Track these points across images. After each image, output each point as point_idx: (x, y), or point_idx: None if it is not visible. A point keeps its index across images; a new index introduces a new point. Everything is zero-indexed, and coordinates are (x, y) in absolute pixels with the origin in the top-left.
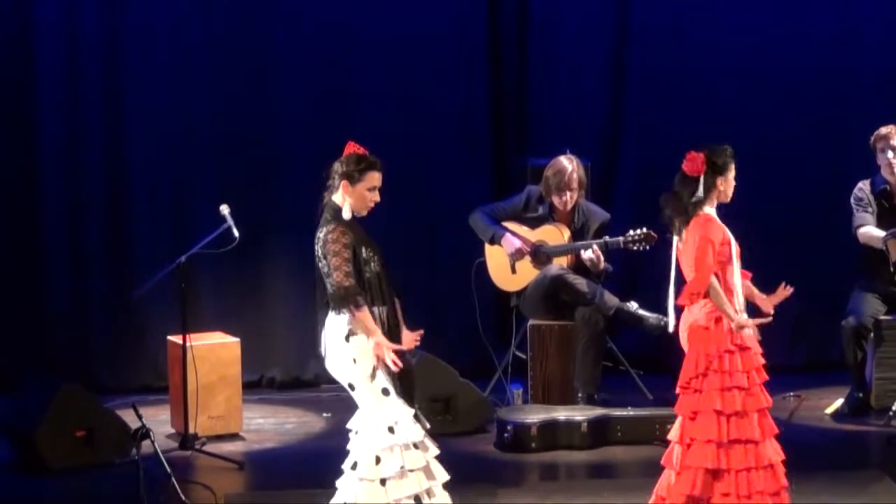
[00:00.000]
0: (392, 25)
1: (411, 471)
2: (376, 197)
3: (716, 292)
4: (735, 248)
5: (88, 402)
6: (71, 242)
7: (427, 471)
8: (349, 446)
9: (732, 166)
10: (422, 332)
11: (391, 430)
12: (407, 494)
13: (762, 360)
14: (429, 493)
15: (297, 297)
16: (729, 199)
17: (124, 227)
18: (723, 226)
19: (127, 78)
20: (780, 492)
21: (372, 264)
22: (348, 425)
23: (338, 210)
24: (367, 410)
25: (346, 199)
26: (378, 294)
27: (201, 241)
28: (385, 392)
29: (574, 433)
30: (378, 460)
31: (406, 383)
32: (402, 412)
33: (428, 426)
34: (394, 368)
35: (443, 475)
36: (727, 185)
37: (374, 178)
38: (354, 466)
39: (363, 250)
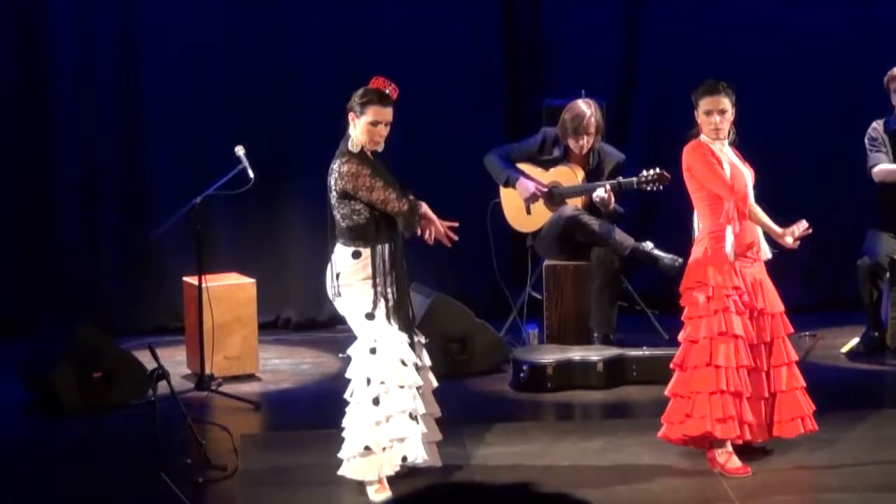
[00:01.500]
0: None
1: (401, 387)
2: (381, 131)
3: None
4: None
5: (105, 344)
6: (85, 184)
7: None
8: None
9: (703, 101)
10: (455, 224)
11: (373, 350)
12: (399, 409)
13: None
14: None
15: (312, 239)
16: (715, 135)
17: (139, 167)
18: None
19: (142, 15)
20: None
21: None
22: (347, 352)
23: (349, 141)
24: (358, 337)
25: (354, 131)
26: (384, 232)
27: (216, 182)
28: (369, 316)
29: (589, 373)
30: (368, 381)
31: (401, 313)
32: (383, 332)
33: (420, 361)
34: (446, 241)
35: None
36: (701, 119)
37: (377, 112)
38: (352, 393)
39: None
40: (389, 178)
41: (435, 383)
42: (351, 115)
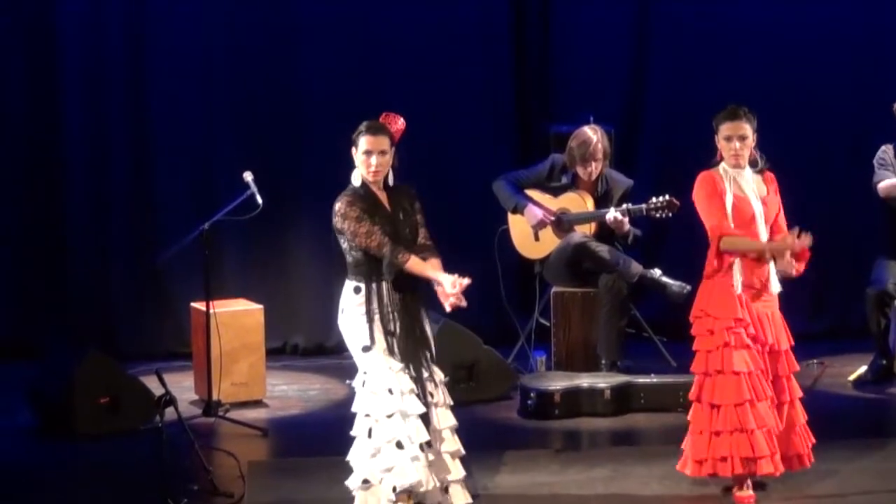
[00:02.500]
0: None
1: (388, 416)
2: (375, 161)
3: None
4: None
5: (113, 369)
6: (95, 209)
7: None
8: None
9: (723, 126)
10: (468, 281)
11: (363, 383)
12: (386, 439)
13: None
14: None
15: (320, 264)
16: (735, 161)
17: (148, 192)
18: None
19: (151, 44)
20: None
21: None
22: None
23: (353, 175)
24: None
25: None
26: (379, 270)
27: (225, 208)
28: (365, 349)
29: (597, 400)
30: (363, 415)
31: (405, 346)
32: (373, 363)
33: (433, 395)
34: (459, 303)
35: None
36: (721, 144)
37: (367, 141)
38: (354, 427)
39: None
40: (386, 214)
41: (451, 421)
42: (352, 150)
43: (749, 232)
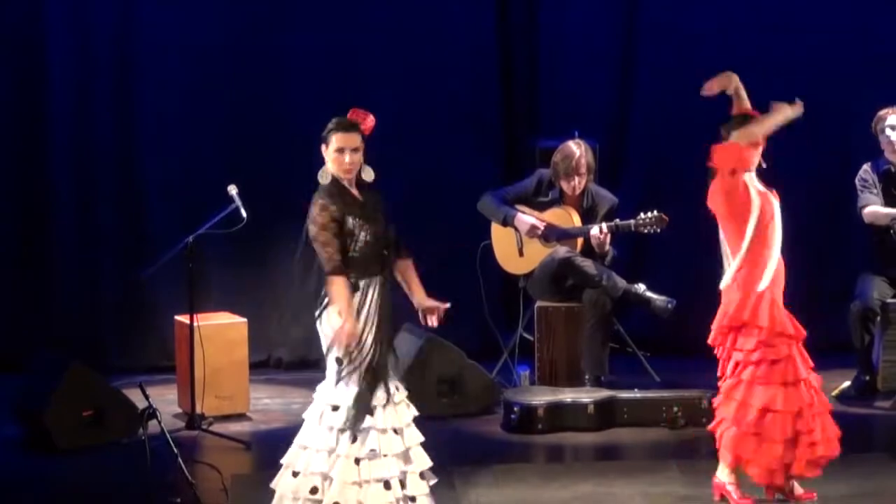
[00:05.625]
0: (404, 7)
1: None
2: (345, 159)
3: None
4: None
5: (96, 382)
6: (80, 222)
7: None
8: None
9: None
10: (447, 305)
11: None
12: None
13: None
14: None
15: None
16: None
17: (133, 205)
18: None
19: (138, 57)
20: None
21: (362, 234)
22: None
23: (321, 173)
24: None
25: (327, 162)
26: (367, 267)
27: (209, 221)
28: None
29: (581, 415)
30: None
31: (372, 373)
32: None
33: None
34: (343, 355)
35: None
36: None
37: (340, 138)
38: None
39: (350, 220)
40: (362, 209)
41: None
42: (322, 148)
43: (772, 228)
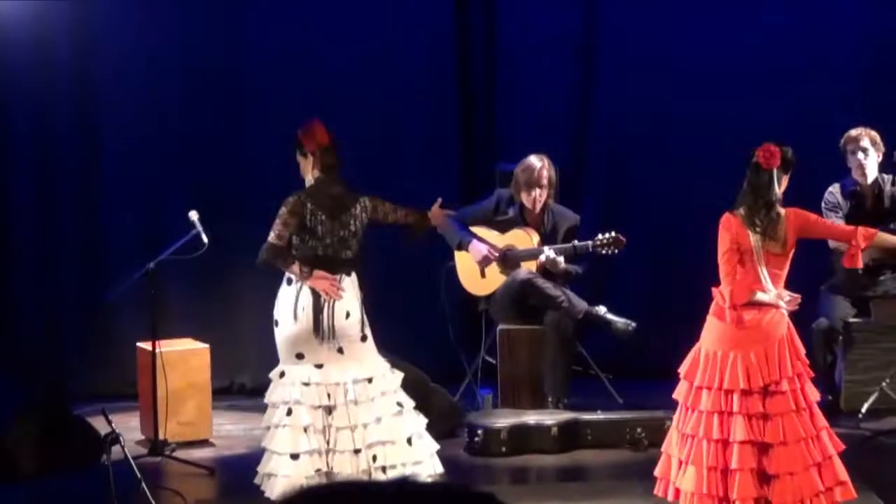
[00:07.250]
0: (362, 30)
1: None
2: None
3: None
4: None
5: (58, 408)
6: (41, 247)
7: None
8: None
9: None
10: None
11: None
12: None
13: None
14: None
15: (266, 304)
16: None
17: (95, 231)
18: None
19: (99, 82)
20: None
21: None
22: None
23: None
24: None
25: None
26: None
27: (171, 246)
28: (280, 374)
29: (544, 437)
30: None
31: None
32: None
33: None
34: (334, 295)
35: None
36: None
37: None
38: None
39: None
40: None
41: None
42: (298, 155)
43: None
